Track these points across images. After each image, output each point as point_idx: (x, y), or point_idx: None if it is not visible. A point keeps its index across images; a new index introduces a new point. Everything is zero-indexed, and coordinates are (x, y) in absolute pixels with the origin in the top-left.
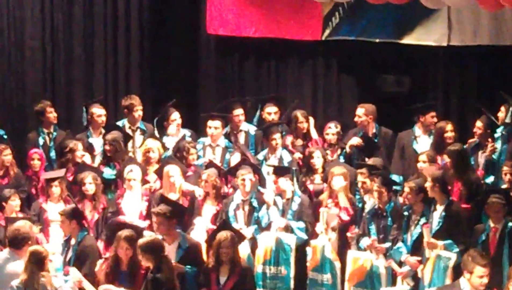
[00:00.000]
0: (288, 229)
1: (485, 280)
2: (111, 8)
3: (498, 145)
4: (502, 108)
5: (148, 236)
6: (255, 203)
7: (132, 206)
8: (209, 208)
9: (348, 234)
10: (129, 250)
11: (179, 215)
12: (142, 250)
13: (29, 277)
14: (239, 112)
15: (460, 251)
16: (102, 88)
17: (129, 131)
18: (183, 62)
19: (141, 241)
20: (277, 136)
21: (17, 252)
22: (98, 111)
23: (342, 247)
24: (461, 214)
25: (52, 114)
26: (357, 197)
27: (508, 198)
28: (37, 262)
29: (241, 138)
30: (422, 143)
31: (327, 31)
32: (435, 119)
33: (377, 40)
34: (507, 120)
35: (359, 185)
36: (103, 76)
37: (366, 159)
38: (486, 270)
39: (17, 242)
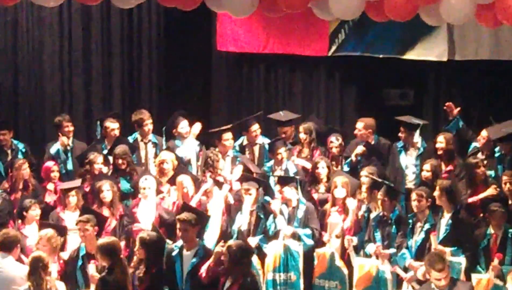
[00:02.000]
0: (295, 236)
1: (442, 283)
2: (127, 26)
3: (500, 165)
4: None
5: (107, 237)
6: (261, 214)
7: (147, 215)
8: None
9: (347, 237)
10: (141, 250)
11: (202, 223)
12: (99, 250)
13: (35, 283)
14: (255, 128)
15: (466, 257)
16: (119, 102)
17: (141, 144)
18: (196, 77)
19: (100, 241)
20: (281, 150)
21: (8, 254)
22: (112, 125)
23: (346, 254)
24: (468, 222)
25: (67, 128)
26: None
27: (508, 206)
28: (41, 268)
29: (256, 150)
30: (405, 154)
31: (334, 48)
32: (401, 134)
33: (381, 56)
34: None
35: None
36: (119, 90)
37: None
38: (441, 274)
39: (7, 246)
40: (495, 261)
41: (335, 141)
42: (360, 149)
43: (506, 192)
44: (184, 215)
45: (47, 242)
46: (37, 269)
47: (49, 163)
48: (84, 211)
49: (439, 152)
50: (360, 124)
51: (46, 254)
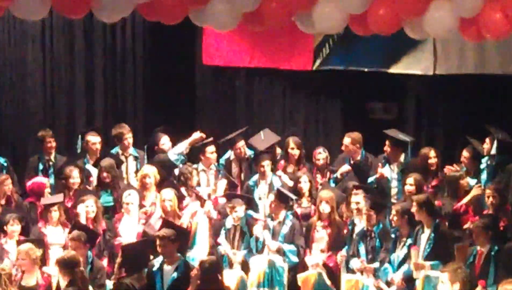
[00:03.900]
0: (280, 251)
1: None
2: (111, 41)
3: (484, 175)
4: (487, 140)
5: (65, 251)
6: (245, 229)
7: (130, 229)
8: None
9: (338, 256)
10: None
11: (182, 238)
12: (58, 265)
13: None
14: (241, 144)
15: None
16: (103, 117)
17: (122, 158)
18: (180, 91)
19: (58, 256)
20: (265, 163)
21: None
22: (93, 139)
23: (331, 270)
24: (449, 235)
25: (50, 144)
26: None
27: (492, 222)
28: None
29: (243, 164)
30: (386, 168)
31: (318, 62)
32: (386, 148)
33: (366, 70)
34: (493, 152)
35: (353, 205)
36: (103, 105)
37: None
38: (448, 275)
39: None
40: (479, 288)
41: (322, 153)
42: (345, 168)
43: (489, 205)
44: (163, 232)
45: (26, 256)
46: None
47: (42, 179)
48: (75, 227)
49: (433, 168)
50: (347, 140)
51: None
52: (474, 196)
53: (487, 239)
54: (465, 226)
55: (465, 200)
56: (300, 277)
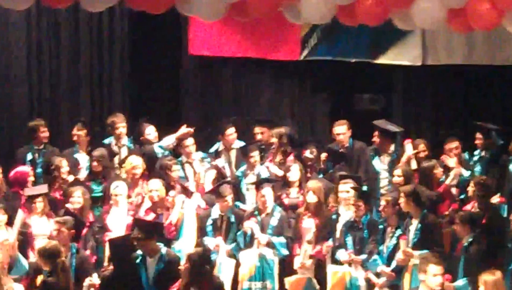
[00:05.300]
0: (270, 244)
1: (440, 279)
2: (97, 31)
3: (478, 168)
4: (478, 135)
5: (46, 241)
6: (232, 219)
7: (118, 221)
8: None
9: (324, 247)
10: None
11: (157, 233)
12: (39, 255)
13: None
14: (231, 131)
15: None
16: (88, 107)
17: (115, 148)
18: (167, 81)
19: (39, 246)
20: (254, 154)
21: None
22: (79, 130)
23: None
24: (436, 225)
25: (43, 134)
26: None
27: (470, 215)
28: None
29: (233, 155)
30: (378, 159)
31: (305, 52)
32: (375, 139)
33: (353, 60)
34: (498, 143)
35: (342, 195)
36: (89, 96)
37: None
38: (440, 268)
39: None
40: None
41: (309, 155)
42: (323, 155)
43: (472, 196)
44: (136, 233)
45: (2, 246)
46: None
47: (24, 168)
48: (65, 214)
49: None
50: (342, 128)
51: (1, 256)
52: (457, 173)
53: (466, 232)
54: (446, 213)
55: (449, 180)
56: (288, 280)
